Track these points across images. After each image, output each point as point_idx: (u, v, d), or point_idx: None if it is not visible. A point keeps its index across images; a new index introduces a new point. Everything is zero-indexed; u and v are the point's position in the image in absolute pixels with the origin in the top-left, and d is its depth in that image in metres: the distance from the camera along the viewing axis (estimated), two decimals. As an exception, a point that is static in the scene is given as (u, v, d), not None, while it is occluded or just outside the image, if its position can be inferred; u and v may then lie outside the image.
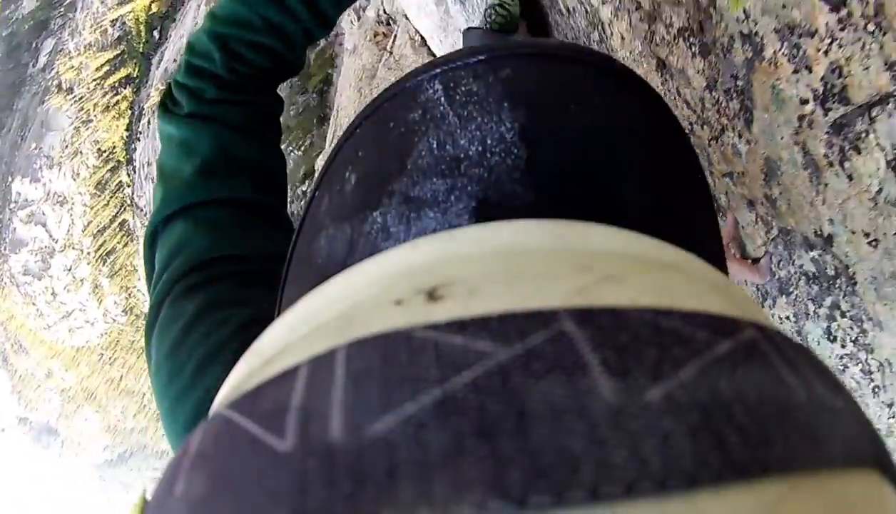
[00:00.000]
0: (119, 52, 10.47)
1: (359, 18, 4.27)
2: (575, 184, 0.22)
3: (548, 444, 0.10)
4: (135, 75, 10.32)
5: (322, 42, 5.01)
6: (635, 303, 0.14)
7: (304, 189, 4.91)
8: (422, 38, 2.77)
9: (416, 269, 0.16)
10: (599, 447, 0.10)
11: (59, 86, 11.41)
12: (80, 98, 10.73)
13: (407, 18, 3.03)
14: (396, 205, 0.22)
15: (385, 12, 3.43)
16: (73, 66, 10.92)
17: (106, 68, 10.51)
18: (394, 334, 0.13)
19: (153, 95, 9.62)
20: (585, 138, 0.23)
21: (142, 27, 10.09)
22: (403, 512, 0.10)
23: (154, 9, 9.94)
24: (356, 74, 3.41)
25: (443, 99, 0.23)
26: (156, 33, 10.10)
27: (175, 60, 9.28)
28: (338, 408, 0.12)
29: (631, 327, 0.13)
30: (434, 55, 2.64)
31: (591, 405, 0.11)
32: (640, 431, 0.11)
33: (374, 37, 3.37)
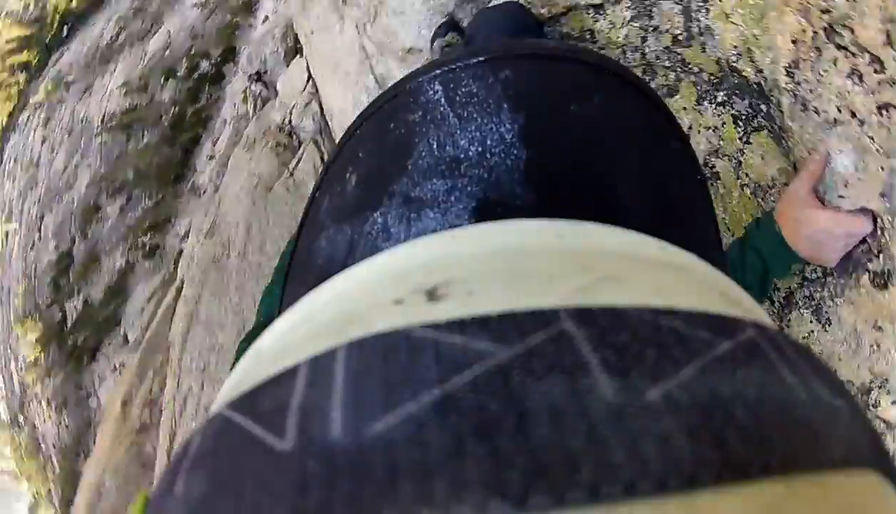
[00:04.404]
0: (29, 33, 10.24)
1: (256, 105, 3.88)
2: (574, 184, 0.22)
3: (548, 444, 0.11)
4: (32, 64, 10.01)
5: (202, 100, 4.76)
6: (635, 303, 0.14)
7: (145, 240, 4.70)
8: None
9: (416, 268, 0.16)
10: (599, 447, 0.10)
11: (-28, 38, 11.19)
12: (-15, 62, 10.59)
13: (316, 144, 2.84)
14: (397, 205, 0.22)
15: (290, 124, 3.19)
16: (-10, 27, 10.80)
17: (13, 45, 10.31)
18: (394, 334, 0.13)
19: (41, 90, 9.52)
20: (584, 138, 0.23)
21: (57, 17, 9.82)
22: (404, 512, 0.10)
23: (74, 4, 9.78)
24: (250, 179, 3.21)
25: (443, 100, 0.23)
26: (66, 29, 9.90)
27: (72, 65, 9.14)
28: (338, 408, 0.12)
29: (631, 326, 0.13)
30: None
31: (591, 405, 0.11)
32: (640, 431, 0.11)
33: (276, 146, 3.16)
